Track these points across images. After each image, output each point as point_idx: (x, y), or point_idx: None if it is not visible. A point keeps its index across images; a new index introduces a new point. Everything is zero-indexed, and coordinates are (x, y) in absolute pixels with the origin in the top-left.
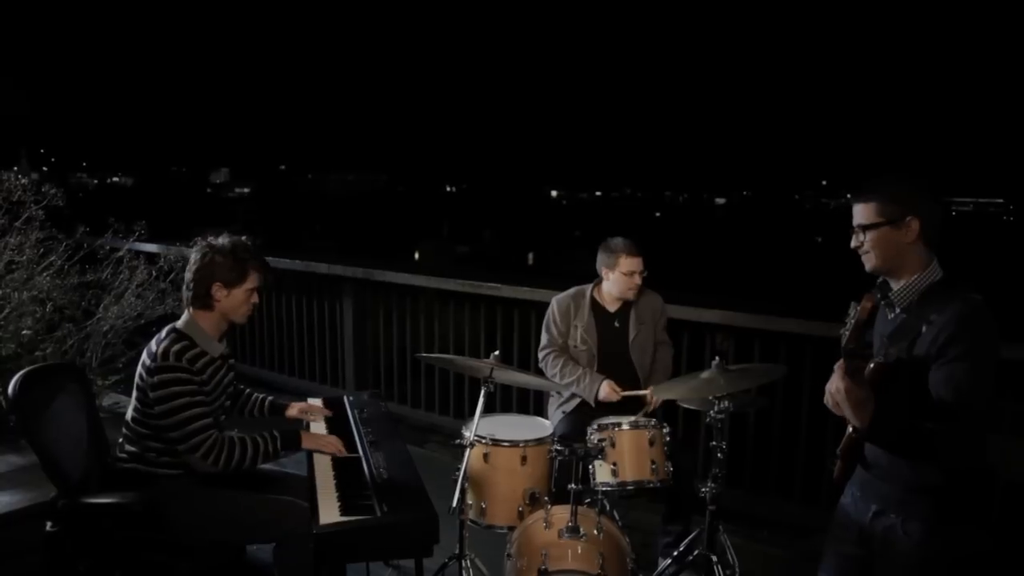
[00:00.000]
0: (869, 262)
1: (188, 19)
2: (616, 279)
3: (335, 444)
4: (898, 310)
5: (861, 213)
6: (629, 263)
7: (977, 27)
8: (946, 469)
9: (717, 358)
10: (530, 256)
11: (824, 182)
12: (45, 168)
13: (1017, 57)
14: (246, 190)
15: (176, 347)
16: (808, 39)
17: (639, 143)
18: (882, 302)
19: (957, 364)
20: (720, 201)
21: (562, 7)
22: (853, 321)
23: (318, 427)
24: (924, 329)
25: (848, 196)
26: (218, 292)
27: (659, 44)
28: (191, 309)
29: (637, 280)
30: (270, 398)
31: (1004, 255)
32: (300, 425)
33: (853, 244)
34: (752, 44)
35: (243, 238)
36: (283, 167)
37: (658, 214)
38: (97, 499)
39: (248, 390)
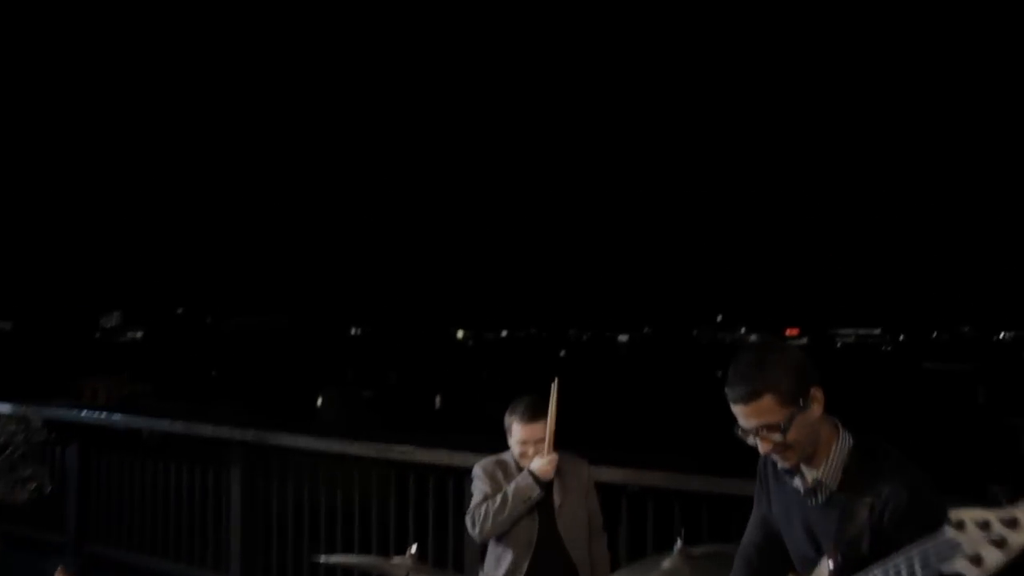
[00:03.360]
0: (789, 460)
1: (83, 145)
2: (513, 447)
3: None
4: (823, 497)
5: (758, 414)
6: (521, 431)
7: (847, 163)
8: None
9: (679, 541)
10: (437, 399)
11: (719, 317)
12: None
13: (887, 191)
14: (139, 334)
15: None
16: (692, 178)
17: (542, 282)
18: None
19: None
20: (623, 338)
21: (459, 147)
22: None
23: None
24: (867, 516)
25: (734, 373)
26: None
27: (557, 182)
28: None
29: (531, 452)
30: None
31: (890, 386)
32: None
33: (765, 450)
34: (642, 184)
35: None
36: (180, 310)
37: (563, 353)
38: None
39: None
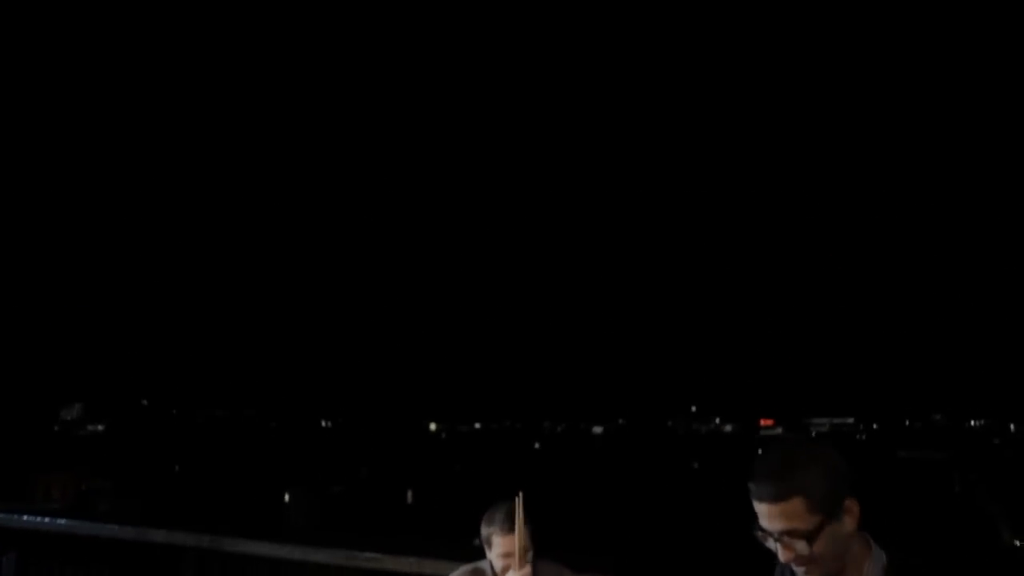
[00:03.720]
0: (811, 574)
1: (44, 225)
2: (494, 560)
3: None
4: None
5: (784, 517)
6: (502, 544)
7: (817, 255)
8: None
9: None
10: (409, 494)
11: (694, 408)
12: None
13: (858, 280)
14: (100, 427)
15: None
16: (663, 268)
17: (516, 373)
18: None
19: None
20: (597, 430)
21: (426, 233)
22: None
23: None
24: None
25: (752, 479)
26: None
27: (528, 272)
28: None
29: (512, 565)
30: None
31: (866, 475)
32: None
33: (786, 558)
34: (613, 274)
35: None
36: (145, 402)
37: (537, 445)
38: None
39: None
